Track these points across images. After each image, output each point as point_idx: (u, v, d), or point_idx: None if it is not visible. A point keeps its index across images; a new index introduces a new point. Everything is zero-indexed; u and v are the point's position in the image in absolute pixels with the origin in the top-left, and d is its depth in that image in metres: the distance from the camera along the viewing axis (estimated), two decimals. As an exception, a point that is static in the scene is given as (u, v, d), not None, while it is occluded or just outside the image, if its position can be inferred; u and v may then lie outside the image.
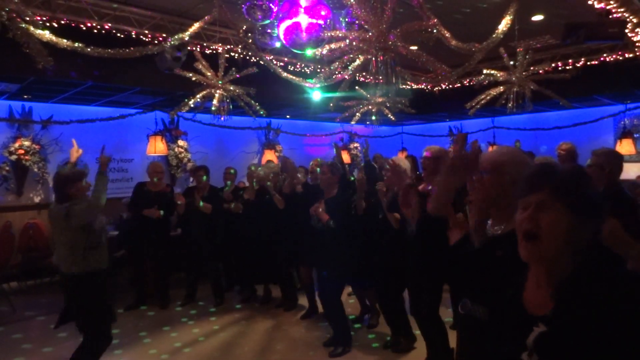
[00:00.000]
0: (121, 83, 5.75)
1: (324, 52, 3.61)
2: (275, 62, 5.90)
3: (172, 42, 4.58)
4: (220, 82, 5.27)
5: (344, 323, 4.11)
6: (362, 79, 6.49)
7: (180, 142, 7.91)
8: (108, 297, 3.33)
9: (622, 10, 4.66)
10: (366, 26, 3.65)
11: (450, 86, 8.09)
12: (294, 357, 4.01)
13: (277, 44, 4.98)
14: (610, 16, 4.64)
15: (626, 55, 6.37)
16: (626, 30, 5.03)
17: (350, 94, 5.77)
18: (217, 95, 5.37)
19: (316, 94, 6.25)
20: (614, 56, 6.48)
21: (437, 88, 7.74)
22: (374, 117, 6.03)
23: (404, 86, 6.77)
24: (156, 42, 5.33)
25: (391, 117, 6.25)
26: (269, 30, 4.90)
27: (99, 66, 5.20)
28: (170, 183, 6.74)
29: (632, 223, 1.89)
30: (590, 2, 4.40)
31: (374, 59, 3.50)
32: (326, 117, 9.35)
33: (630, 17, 4.91)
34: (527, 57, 5.29)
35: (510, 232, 1.58)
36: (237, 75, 5.23)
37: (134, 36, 5.37)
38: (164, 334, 4.58)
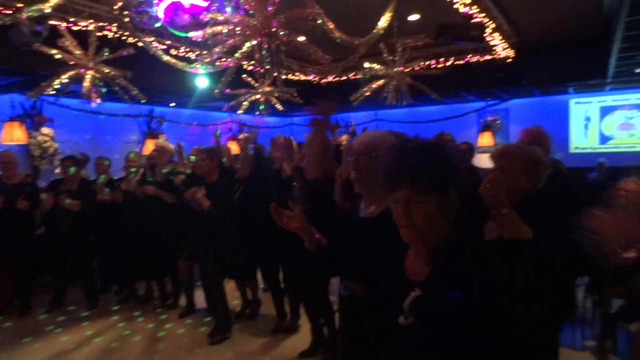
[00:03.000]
0: (-36, 58, 4.89)
1: (207, 35, 3.44)
2: (156, 45, 5.50)
3: (29, 14, 4.00)
4: (91, 62, 4.75)
5: (225, 311, 4.06)
6: (250, 67, 6.37)
7: (45, 130, 7.01)
8: None
9: (482, 15, 5.22)
10: (251, 11, 3.57)
11: (337, 78, 8.35)
12: (178, 356, 3.82)
13: (157, 25, 4.64)
14: (473, 20, 5.17)
15: (486, 57, 7.16)
16: (486, 34, 5.66)
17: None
18: (87, 77, 4.83)
19: (202, 81, 5.97)
20: (476, 57, 7.25)
21: (324, 80, 7.93)
22: (261, 107, 5.96)
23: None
24: (9, 12, 4.61)
25: (279, 107, 6.24)
26: (147, 9, 4.53)
27: None
28: (31, 173, 5.93)
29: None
30: (456, 7, 4.85)
31: (258, 45, 3.42)
32: (214, 107, 9.04)
33: (489, 23, 5.54)
34: (404, 53, 5.65)
35: (382, 212, 1.66)
36: (108, 56, 4.76)
37: (-21, 3, 4.58)
38: (24, 346, 4.04)
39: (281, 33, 3.32)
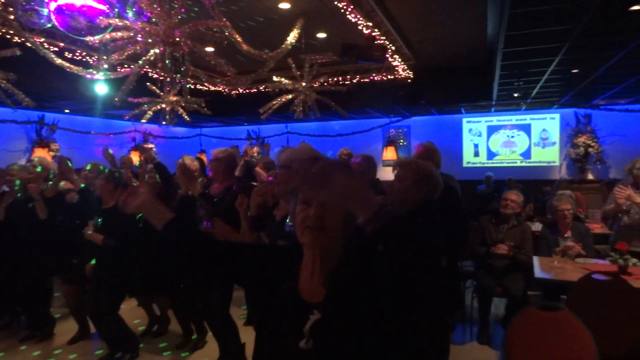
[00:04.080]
0: None
1: (105, 40, 3.27)
2: (47, 46, 5.07)
3: None
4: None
5: (127, 332, 3.81)
6: (155, 75, 6.13)
7: None
8: None
9: (383, 38, 5.58)
10: (154, 19, 3.46)
11: (247, 91, 8.33)
12: (70, 384, 3.51)
13: (48, 25, 4.29)
14: (376, 42, 5.50)
15: (389, 77, 7.63)
16: (387, 55, 6.05)
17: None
18: (-39, 78, 4.32)
19: (101, 87, 5.61)
20: (380, 76, 7.69)
21: (234, 92, 7.87)
22: (167, 117, 5.75)
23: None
24: None
25: (186, 117, 6.07)
26: (36, 8, 4.18)
27: None
28: None
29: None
30: (360, 28, 5.13)
31: (161, 54, 3.33)
32: (116, 115, 8.52)
33: (390, 45, 5.93)
34: (312, 69, 5.83)
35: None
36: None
37: None
38: None
39: (185, 42, 3.25)
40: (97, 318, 3.64)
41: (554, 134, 9.95)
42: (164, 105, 5.78)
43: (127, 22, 3.41)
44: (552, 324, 2.34)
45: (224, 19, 3.62)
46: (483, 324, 4.25)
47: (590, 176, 9.56)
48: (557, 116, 9.89)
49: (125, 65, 4.90)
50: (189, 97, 4.76)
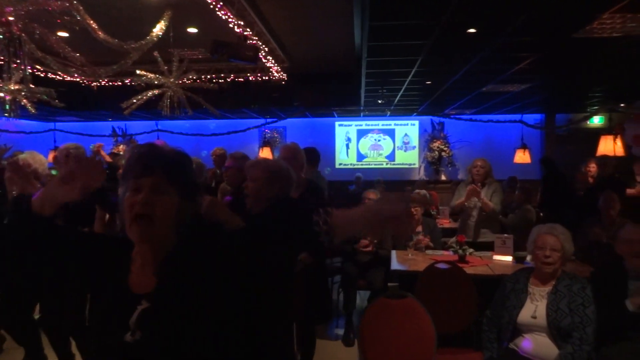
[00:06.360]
0: None
1: None
2: None
3: None
4: None
5: None
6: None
7: None
8: None
9: (256, 38, 5.58)
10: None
11: (111, 83, 7.66)
12: None
13: None
14: (247, 41, 5.47)
15: (264, 78, 7.66)
16: (261, 56, 6.05)
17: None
18: None
19: None
20: (255, 77, 7.68)
21: (95, 83, 7.16)
22: (7, 108, 4.98)
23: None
24: None
25: (31, 109, 5.33)
26: None
27: None
28: None
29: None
30: (231, 26, 5.05)
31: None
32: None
33: (263, 46, 5.95)
34: (182, 65, 5.57)
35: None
36: None
37: None
38: None
39: (18, 24, 2.85)
40: None
41: (414, 138, 10.98)
42: (1, 95, 4.99)
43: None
44: (399, 310, 2.57)
45: (75, 2, 3.26)
46: (348, 314, 4.49)
47: (443, 177, 10.77)
48: (416, 123, 10.93)
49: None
50: (33, 86, 4.18)
